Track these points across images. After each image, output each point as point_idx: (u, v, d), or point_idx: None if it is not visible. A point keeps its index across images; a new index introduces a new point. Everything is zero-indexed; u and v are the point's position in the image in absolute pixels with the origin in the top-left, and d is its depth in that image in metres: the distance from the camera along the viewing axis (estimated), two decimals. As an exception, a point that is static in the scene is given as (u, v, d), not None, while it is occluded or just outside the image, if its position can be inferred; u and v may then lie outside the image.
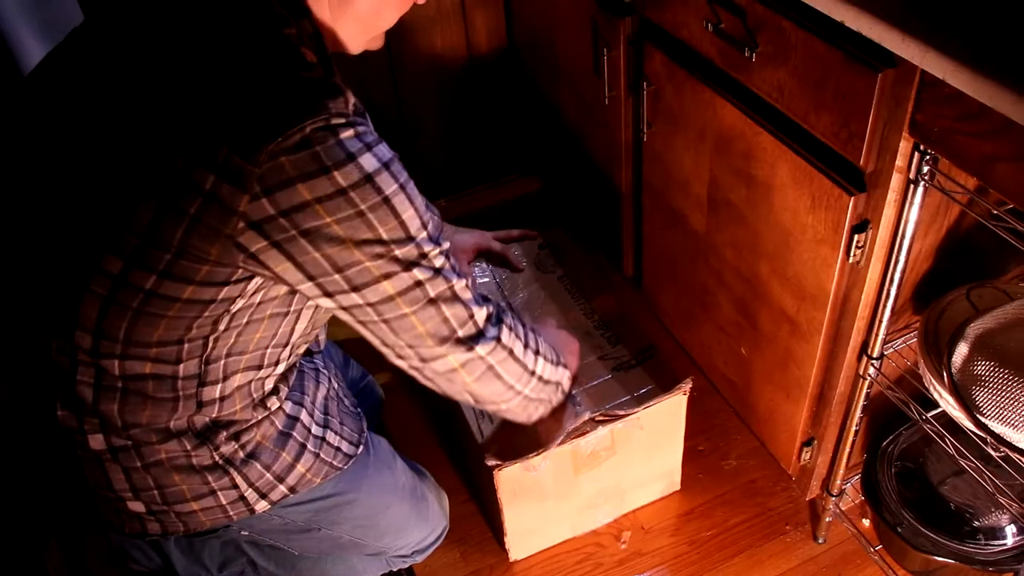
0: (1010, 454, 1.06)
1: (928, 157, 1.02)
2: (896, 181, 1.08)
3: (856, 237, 1.16)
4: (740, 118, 1.29)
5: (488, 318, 1.00)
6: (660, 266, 1.76)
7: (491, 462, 1.32)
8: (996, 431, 1.06)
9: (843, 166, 1.15)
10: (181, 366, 0.96)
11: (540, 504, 1.46)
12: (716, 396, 1.73)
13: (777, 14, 1.12)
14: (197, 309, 0.91)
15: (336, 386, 1.24)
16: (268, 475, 1.10)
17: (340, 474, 1.21)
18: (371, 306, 0.92)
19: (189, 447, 1.03)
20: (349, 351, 1.53)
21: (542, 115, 2.05)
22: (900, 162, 1.06)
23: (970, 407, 1.08)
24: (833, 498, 1.48)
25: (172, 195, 0.84)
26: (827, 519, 1.51)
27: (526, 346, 1.05)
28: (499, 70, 2.13)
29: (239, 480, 1.09)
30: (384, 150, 0.88)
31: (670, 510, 1.61)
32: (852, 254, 1.18)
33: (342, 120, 0.84)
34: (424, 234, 0.91)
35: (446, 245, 0.95)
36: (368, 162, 0.85)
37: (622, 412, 1.36)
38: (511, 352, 1.02)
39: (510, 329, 1.02)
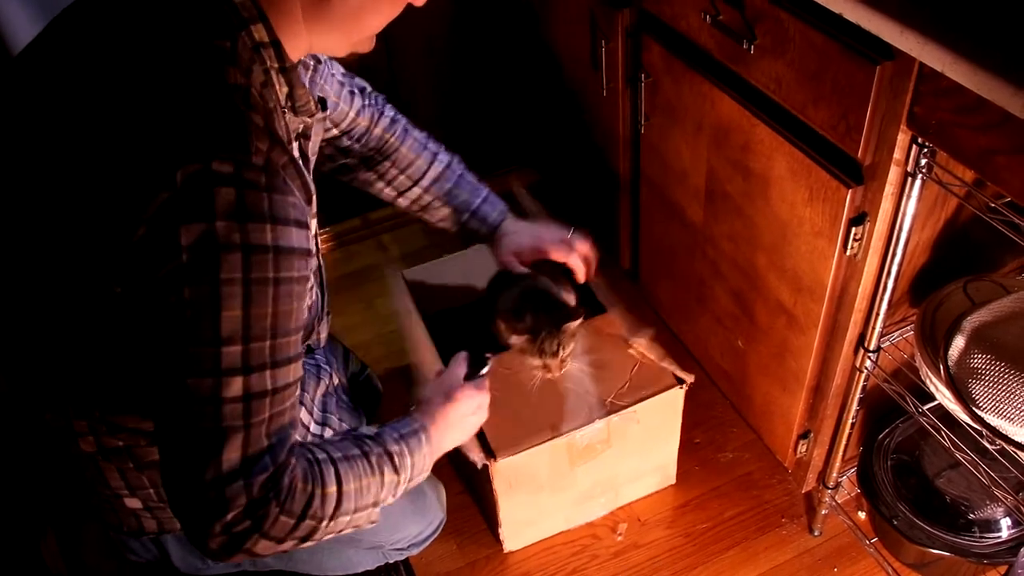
0: (1006, 447, 1.06)
1: (926, 150, 1.02)
2: (894, 174, 1.08)
3: (853, 230, 1.16)
4: (738, 110, 1.29)
5: (251, 495, 0.81)
6: (657, 258, 1.76)
7: (481, 462, 1.32)
8: (992, 424, 1.06)
9: (841, 159, 1.14)
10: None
11: (535, 496, 1.46)
12: (712, 388, 1.74)
13: (776, 6, 1.12)
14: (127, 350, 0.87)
15: (336, 382, 1.23)
16: None
17: None
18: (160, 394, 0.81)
19: None
20: (350, 345, 1.53)
21: (540, 106, 2.04)
22: (898, 155, 1.06)
23: (966, 400, 1.08)
24: (829, 491, 1.48)
25: (70, 219, 0.80)
26: (823, 512, 1.52)
27: (298, 523, 0.87)
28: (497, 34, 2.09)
29: None
30: (265, 233, 0.74)
31: (666, 502, 1.62)
32: (849, 247, 1.18)
33: (227, 170, 0.73)
34: (235, 348, 0.76)
35: (271, 382, 0.80)
36: (225, 233, 0.73)
37: (622, 403, 1.36)
38: (262, 533, 0.84)
39: (278, 510, 0.83)
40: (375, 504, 0.97)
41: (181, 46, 0.78)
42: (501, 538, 1.52)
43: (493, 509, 1.46)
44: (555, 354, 1.33)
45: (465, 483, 1.65)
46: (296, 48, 0.87)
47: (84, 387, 0.96)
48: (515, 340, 1.34)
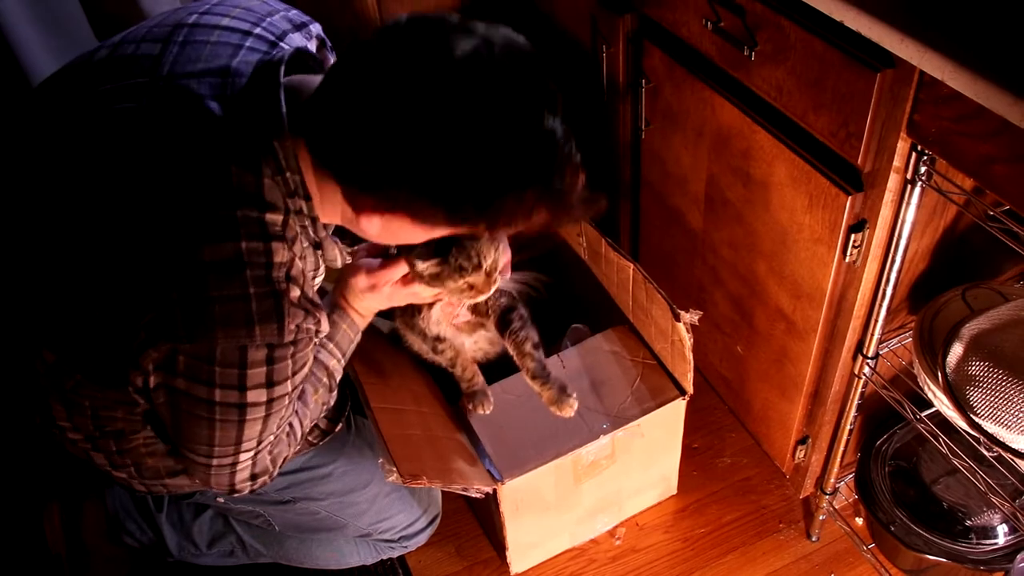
0: (1003, 454, 1.07)
1: (926, 157, 1.03)
2: (893, 181, 1.08)
3: (853, 237, 1.16)
4: (738, 117, 1.29)
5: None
6: (657, 264, 1.77)
7: (483, 493, 1.30)
8: (989, 431, 1.07)
9: (841, 166, 1.15)
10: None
11: (541, 516, 1.45)
12: (711, 393, 1.74)
13: (777, 13, 1.13)
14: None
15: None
16: None
17: (315, 449, 1.22)
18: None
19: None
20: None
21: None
22: (898, 162, 1.06)
23: (964, 407, 1.09)
24: (827, 496, 1.48)
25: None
26: (820, 517, 1.52)
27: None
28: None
29: None
30: (287, 384, 0.92)
31: (664, 507, 1.62)
32: (849, 253, 1.18)
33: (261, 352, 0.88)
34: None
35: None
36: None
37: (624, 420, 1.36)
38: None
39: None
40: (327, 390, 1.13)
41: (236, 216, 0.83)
42: (508, 561, 1.51)
43: (499, 532, 1.44)
44: (478, 267, 1.13)
45: (464, 497, 1.64)
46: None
47: (79, 408, 1.00)
48: (423, 267, 1.12)
